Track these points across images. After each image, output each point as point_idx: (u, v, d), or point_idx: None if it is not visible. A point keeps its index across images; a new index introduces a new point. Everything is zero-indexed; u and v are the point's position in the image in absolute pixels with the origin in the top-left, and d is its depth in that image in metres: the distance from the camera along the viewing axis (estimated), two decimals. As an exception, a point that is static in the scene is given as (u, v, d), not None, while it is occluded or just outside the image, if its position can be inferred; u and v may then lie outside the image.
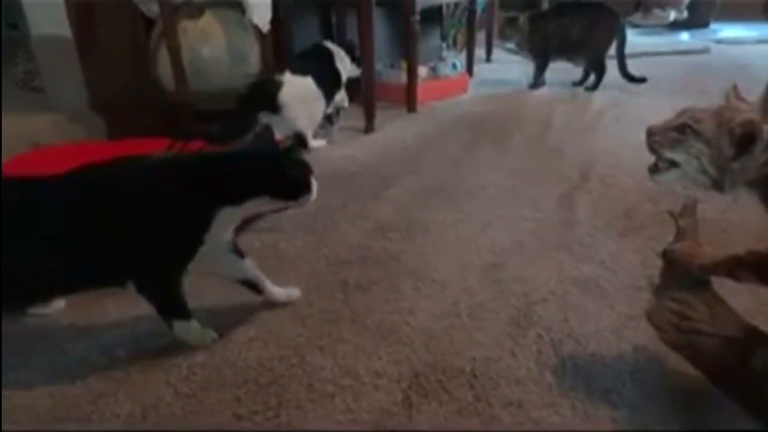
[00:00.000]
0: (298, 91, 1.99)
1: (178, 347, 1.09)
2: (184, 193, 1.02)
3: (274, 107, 1.92)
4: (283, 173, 1.08)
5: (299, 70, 2.04)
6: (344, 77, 2.29)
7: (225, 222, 1.07)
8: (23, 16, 2.14)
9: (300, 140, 2.06)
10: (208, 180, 1.04)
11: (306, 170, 1.12)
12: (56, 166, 1.06)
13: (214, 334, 1.12)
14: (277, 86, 1.94)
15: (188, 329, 1.09)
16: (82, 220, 0.99)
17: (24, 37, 2.30)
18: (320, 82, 2.11)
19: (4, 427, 0.92)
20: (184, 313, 1.08)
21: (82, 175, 1.02)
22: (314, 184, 1.12)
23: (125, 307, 1.19)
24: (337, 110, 2.38)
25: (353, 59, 2.32)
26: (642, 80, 2.86)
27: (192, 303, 1.09)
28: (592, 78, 2.91)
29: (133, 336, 1.14)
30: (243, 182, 1.06)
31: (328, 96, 2.21)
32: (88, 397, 0.99)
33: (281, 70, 2.02)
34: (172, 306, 1.07)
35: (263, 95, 1.94)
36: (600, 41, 2.83)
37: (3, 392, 0.99)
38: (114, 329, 1.15)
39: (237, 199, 1.05)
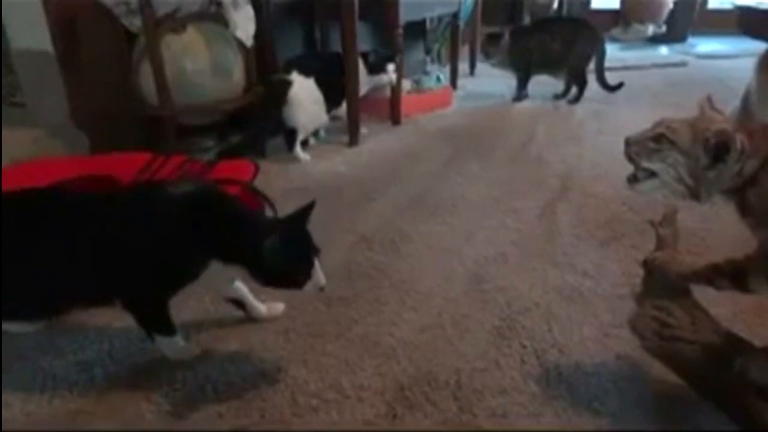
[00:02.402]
0: (304, 90, 2.13)
1: (158, 363, 1.07)
2: (192, 232, 0.99)
3: (285, 102, 2.09)
4: (258, 256, 0.95)
5: (303, 71, 2.14)
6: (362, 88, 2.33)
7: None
8: (2, 30, 2.12)
9: (290, 136, 2.14)
10: (205, 228, 0.99)
11: (305, 254, 0.99)
12: (37, 181, 1.05)
13: (196, 349, 1.11)
14: (289, 84, 2.10)
15: (171, 344, 1.07)
16: (91, 237, 0.98)
17: (4, 51, 2.28)
18: (322, 86, 2.18)
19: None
20: (169, 330, 1.06)
21: (107, 194, 1.05)
22: (318, 274, 0.99)
23: (103, 324, 1.17)
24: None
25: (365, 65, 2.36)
26: (619, 86, 2.90)
27: (174, 317, 1.07)
28: (573, 91, 2.95)
29: (111, 353, 1.12)
30: (227, 244, 0.99)
31: (331, 102, 2.24)
32: (65, 415, 0.97)
33: (287, 69, 2.16)
34: (158, 323, 1.06)
35: (278, 93, 2.10)
36: (581, 56, 2.88)
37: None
38: (91, 346, 1.13)
39: (223, 258, 1.00)
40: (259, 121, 2.18)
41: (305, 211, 1.01)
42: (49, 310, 1.06)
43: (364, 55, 2.33)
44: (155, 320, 1.05)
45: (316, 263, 0.99)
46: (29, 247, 0.97)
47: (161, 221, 0.99)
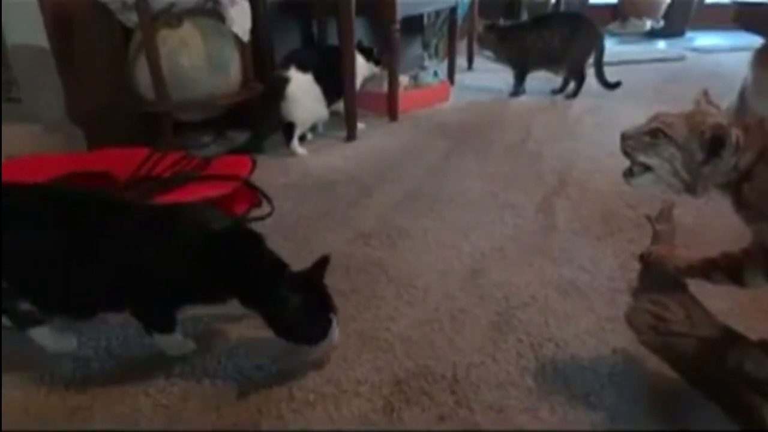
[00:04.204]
0: (302, 86, 2.14)
1: (155, 358, 1.07)
2: (214, 268, 0.99)
3: (283, 99, 2.11)
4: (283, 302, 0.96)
5: (301, 66, 2.15)
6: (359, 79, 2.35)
7: None
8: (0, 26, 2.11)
9: (288, 131, 2.15)
10: (227, 267, 1.00)
11: (322, 311, 1.00)
12: (33, 177, 1.05)
13: (193, 345, 1.11)
14: (287, 81, 2.11)
15: (169, 340, 1.07)
16: (122, 246, 0.98)
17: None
18: (321, 81, 2.19)
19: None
20: (169, 328, 1.06)
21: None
22: (334, 334, 1.01)
23: (99, 319, 1.17)
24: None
25: (371, 59, 2.41)
26: (617, 84, 2.91)
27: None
28: (571, 86, 2.95)
29: (108, 348, 1.12)
30: (244, 288, 1.00)
31: (330, 96, 2.25)
32: (62, 411, 0.97)
33: (285, 65, 2.16)
34: (161, 324, 1.06)
35: (276, 90, 2.11)
36: (580, 51, 2.88)
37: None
38: (88, 342, 1.13)
39: (240, 299, 1.00)
40: (259, 120, 2.17)
41: (321, 264, 1.01)
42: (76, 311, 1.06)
43: (369, 49, 2.37)
44: (159, 322, 1.06)
45: (334, 322, 1.01)
46: (62, 247, 0.97)
47: (187, 248, 0.99)
